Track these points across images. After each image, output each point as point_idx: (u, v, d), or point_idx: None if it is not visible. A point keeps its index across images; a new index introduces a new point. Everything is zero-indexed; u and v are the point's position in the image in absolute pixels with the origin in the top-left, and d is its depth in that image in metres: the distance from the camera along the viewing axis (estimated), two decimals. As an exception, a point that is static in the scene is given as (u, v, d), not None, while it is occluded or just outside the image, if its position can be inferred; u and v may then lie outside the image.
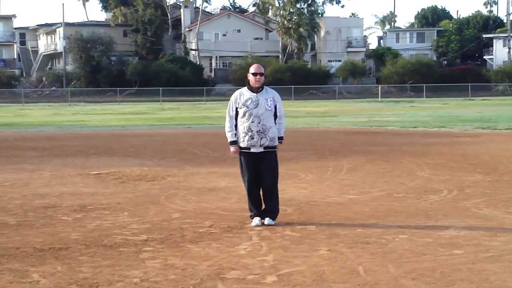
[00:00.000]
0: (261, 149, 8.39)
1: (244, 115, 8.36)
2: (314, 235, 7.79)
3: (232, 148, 8.57)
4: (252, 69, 8.47)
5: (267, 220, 8.38)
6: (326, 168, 14.02)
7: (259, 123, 8.35)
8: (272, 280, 6.03)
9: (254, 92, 8.41)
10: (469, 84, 67.58)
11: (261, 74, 8.45)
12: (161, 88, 65.35)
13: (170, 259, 6.78)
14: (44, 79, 79.24)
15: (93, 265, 6.56)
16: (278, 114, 8.45)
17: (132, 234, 7.94)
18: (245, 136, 8.38)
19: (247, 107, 8.34)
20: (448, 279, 6.00)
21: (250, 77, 8.44)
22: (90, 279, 6.08)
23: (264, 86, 8.51)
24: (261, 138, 8.35)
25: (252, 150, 8.41)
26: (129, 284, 5.92)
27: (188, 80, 72.68)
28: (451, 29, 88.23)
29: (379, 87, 71.13)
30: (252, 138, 8.35)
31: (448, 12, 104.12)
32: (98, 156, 17.20)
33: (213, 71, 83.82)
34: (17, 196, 10.84)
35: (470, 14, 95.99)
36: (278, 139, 8.49)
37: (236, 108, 8.43)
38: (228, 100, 8.66)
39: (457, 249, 7.06)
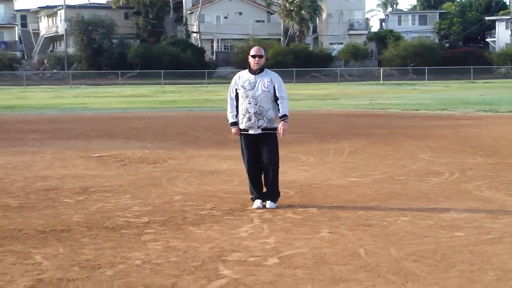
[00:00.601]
0: (259, 131, 8.37)
1: (242, 96, 8.37)
2: (316, 218, 7.80)
3: (233, 129, 8.61)
4: (252, 51, 8.47)
5: (268, 204, 8.38)
6: (328, 150, 14.02)
7: (255, 104, 8.33)
8: (273, 262, 6.04)
9: (253, 74, 8.40)
10: (471, 66, 67.49)
11: (260, 56, 8.42)
12: (162, 71, 65.24)
13: (171, 241, 6.80)
14: (45, 61, 79.13)
15: (95, 247, 6.57)
16: (278, 95, 8.36)
17: (134, 216, 7.96)
18: (243, 118, 8.39)
19: (244, 88, 8.34)
20: (449, 261, 6.01)
21: (250, 59, 8.45)
22: (92, 261, 6.10)
23: (266, 69, 8.47)
24: (259, 119, 8.33)
25: (250, 131, 8.41)
26: (131, 266, 5.93)
27: (190, 63, 72.54)
28: (453, 11, 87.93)
29: (381, 70, 71.05)
30: (250, 120, 8.34)
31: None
32: (100, 138, 17.21)
33: (214, 54, 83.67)
34: (19, 179, 10.85)
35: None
36: (282, 117, 8.35)
37: (236, 90, 8.43)
38: (230, 83, 8.66)
39: (458, 231, 7.07)
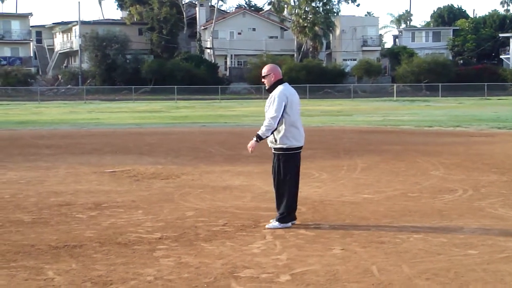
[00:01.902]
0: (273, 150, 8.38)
1: None
2: (328, 234, 7.78)
3: None
4: None
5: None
6: (341, 167, 14.00)
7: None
8: (285, 279, 6.03)
9: (269, 93, 8.39)
10: (485, 83, 67.20)
11: (263, 77, 8.44)
12: (176, 87, 65.43)
13: (184, 257, 6.79)
14: (60, 77, 79.56)
15: (107, 263, 6.58)
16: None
17: (146, 232, 7.97)
18: None
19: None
20: (463, 279, 5.97)
21: None
22: (104, 277, 6.10)
23: (279, 86, 8.30)
24: (268, 140, 8.37)
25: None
26: (142, 282, 5.93)
27: (203, 79, 72.74)
28: (467, 28, 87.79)
29: (394, 86, 70.92)
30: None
31: (465, 11, 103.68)
32: (113, 154, 17.26)
33: (228, 70, 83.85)
34: (32, 194, 10.90)
35: (487, 13, 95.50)
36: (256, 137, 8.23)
37: None
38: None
39: (472, 249, 7.03)
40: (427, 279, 5.98)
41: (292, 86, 8.56)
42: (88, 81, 76.95)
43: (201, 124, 30.29)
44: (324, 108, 45.44)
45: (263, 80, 8.46)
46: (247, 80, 78.00)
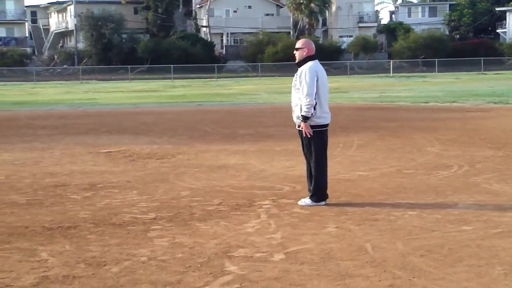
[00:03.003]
0: (297, 127, 8.35)
1: None
2: (323, 212, 7.77)
3: None
4: None
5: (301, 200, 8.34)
6: (337, 144, 13.97)
7: (291, 100, 8.37)
8: (279, 258, 6.02)
9: (298, 68, 8.30)
10: (482, 58, 67.15)
11: (296, 49, 8.34)
12: (172, 66, 65.25)
13: (178, 237, 6.79)
14: (55, 57, 79.35)
15: (102, 244, 6.57)
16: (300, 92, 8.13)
17: (140, 213, 7.96)
18: None
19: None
20: (457, 255, 5.97)
21: None
22: (98, 258, 6.09)
23: (309, 62, 8.15)
24: (294, 116, 8.33)
25: (296, 126, 8.39)
26: (136, 263, 5.93)
27: (199, 57, 72.59)
28: (463, 2, 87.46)
29: (391, 62, 70.86)
30: (293, 114, 8.36)
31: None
32: (109, 134, 17.23)
33: (224, 48, 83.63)
34: (27, 175, 10.87)
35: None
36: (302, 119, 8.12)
37: None
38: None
39: (466, 225, 7.03)
40: (421, 255, 5.98)
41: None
42: (84, 61, 76.72)
43: (197, 103, 30.23)
44: (320, 85, 45.25)
45: (295, 52, 8.34)
46: (244, 58, 77.90)
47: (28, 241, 6.73)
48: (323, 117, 8.19)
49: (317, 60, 8.25)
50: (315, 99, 8.01)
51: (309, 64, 8.15)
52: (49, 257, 6.14)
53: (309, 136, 8.14)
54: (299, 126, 8.25)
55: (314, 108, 8.04)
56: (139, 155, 13.07)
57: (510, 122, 18.05)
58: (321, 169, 8.22)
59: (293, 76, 8.27)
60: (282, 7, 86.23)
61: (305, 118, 8.05)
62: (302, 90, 8.05)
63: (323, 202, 8.17)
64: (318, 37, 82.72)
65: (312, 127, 8.13)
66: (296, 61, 8.30)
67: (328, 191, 8.32)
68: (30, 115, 24.45)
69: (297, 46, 8.33)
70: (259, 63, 69.50)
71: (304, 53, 8.23)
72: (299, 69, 8.19)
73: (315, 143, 8.18)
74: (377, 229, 6.96)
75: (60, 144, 15.13)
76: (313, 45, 8.38)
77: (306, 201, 8.22)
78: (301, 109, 8.07)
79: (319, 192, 8.20)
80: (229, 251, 6.24)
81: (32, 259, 6.08)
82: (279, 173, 10.67)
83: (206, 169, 11.21)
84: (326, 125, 8.28)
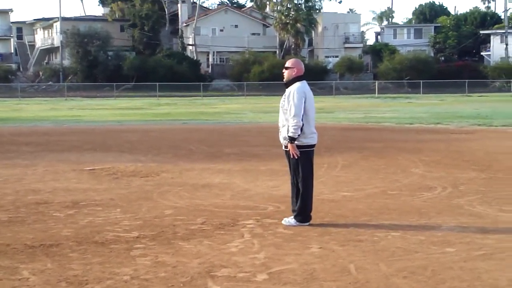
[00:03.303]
0: (283, 148, 8.34)
1: None
2: (306, 233, 7.76)
3: None
4: None
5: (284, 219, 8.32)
6: (321, 164, 13.95)
7: (278, 120, 8.37)
8: (262, 278, 6.00)
9: (286, 88, 8.30)
10: (466, 80, 67.56)
11: (285, 68, 8.36)
12: (157, 83, 65.16)
13: (161, 256, 6.75)
14: (41, 73, 79.06)
15: (84, 262, 6.53)
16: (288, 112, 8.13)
17: (123, 231, 7.91)
18: None
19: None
20: (439, 277, 5.98)
21: None
22: (80, 276, 6.05)
23: (297, 82, 8.17)
24: (280, 136, 8.33)
25: (283, 147, 8.39)
26: (119, 282, 5.89)
27: (185, 76, 72.55)
28: (448, 25, 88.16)
29: (376, 83, 71.14)
30: (280, 134, 8.36)
31: (446, 8, 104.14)
32: (93, 151, 17.17)
33: (210, 67, 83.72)
34: (10, 192, 10.80)
35: (468, 10, 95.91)
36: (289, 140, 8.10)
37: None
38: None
39: (449, 247, 7.04)
40: (404, 277, 5.98)
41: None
42: (70, 77, 76.52)
43: (182, 121, 30.20)
44: (306, 105, 45.35)
45: (284, 71, 8.35)
46: (230, 77, 77.98)
47: (9, 259, 6.67)
48: (311, 137, 8.21)
49: (304, 81, 8.28)
50: (302, 120, 8.02)
51: (297, 85, 8.16)
52: (31, 276, 6.09)
53: (296, 158, 8.13)
54: (285, 147, 8.25)
55: (301, 130, 8.04)
56: (123, 173, 13.02)
57: (493, 144, 18.15)
58: (309, 189, 8.23)
59: (280, 95, 8.29)
60: (268, 26, 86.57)
61: (291, 139, 8.04)
62: (289, 111, 8.04)
63: (307, 223, 8.15)
64: (304, 57, 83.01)
65: (300, 147, 8.13)
66: (284, 80, 8.31)
67: (312, 211, 8.30)
68: (13, 131, 24.34)
69: (286, 65, 8.35)
70: (245, 82, 69.60)
71: (293, 73, 8.25)
72: (287, 90, 8.19)
73: (303, 163, 8.17)
74: (360, 250, 6.96)
75: (43, 161, 15.05)
76: (303, 66, 8.42)
77: (290, 221, 8.20)
78: (288, 130, 8.06)
79: (304, 212, 8.18)
80: (212, 271, 6.21)
81: (13, 277, 6.03)
82: (263, 192, 10.66)
83: (190, 188, 11.17)
84: (313, 145, 8.29)
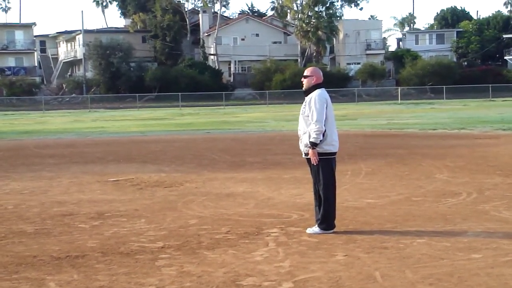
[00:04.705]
0: (303, 156, 8.33)
1: None
2: (331, 240, 7.74)
3: None
4: None
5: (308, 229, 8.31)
6: (345, 172, 13.93)
7: (299, 128, 8.35)
8: (288, 286, 5.99)
9: (305, 96, 8.33)
10: (490, 85, 67.17)
11: (304, 77, 8.37)
12: (180, 94, 65.49)
13: (186, 266, 6.76)
14: (64, 86, 79.74)
15: (109, 273, 6.56)
16: (309, 119, 8.13)
17: (148, 241, 7.94)
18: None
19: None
20: (466, 284, 5.93)
21: None
22: (106, 287, 6.07)
23: (316, 90, 8.20)
24: (300, 144, 8.33)
25: (303, 155, 8.37)
26: (144, 292, 5.91)
27: (207, 85, 72.85)
28: (471, 29, 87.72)
29: (399, 89, 70.92)
30: (300, 143, 8.35)
31: (468, 12, 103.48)
32: (117, 162, 17.25)
33: (232, 76, 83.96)
34: (36, 204, 10.88)
35: (490, 14, 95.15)
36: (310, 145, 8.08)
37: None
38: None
39: (476, 253, 6.98)
40: (431, 284, 5.94)
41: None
42: (93, 89, 77.11)
43: (205, 131, 30.28)
44: (328, 113, 45.29)
45: (302, 80, 8.37)
46: (251, 86, 78.14)
47: (36, 270, 6.72)
48: (332, 145, 8.20)
49: (323, 88, 8.29)
50: (324, 125, 8.02)
51: (318, 91, 8.19)
52: (57, 287, 6.13)
53: (315, 164, 8.12)
54: (306, 154, 8.24)
55: (323, 135, 8.04)
56: (147, 184, 13.07)
57: (518, 149, 17.99)
58: (330, 197, 8.20)
59: (301, 103, 8.28)
60: (289, 35, 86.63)
61: (313, 145, 8.04)
62: (311, 117, 8.05)
63: (331, 231, 8.14)
64: (326, 65, 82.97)
65: (321, 154, 8.11)
66: (304, 88, 8.33)
67: (337, 219, 8.29)
68: (38, 144, 24.53)
69: (305, 74, 8.37)
70: (267, 91, 69.72)
71: (313, 81, 8.28)
72: (308, 97, 8.21)
73: (324, 171, 8.15)
74: (386, 257, 6.93)
75: (68, 173, 15.15)
76: (321, 73, 8.43)
77: (315, 229, 8.19)
78: (309, 136, 8.06)
79: (328, 220, 8.17)
80: (238, 280, 6.21)
81: (40, 289, 6.07)
82: (287, 201, 10.65)
83: (214, 197, 11.19)
84: (335, 153, 8.28)
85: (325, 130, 8.04)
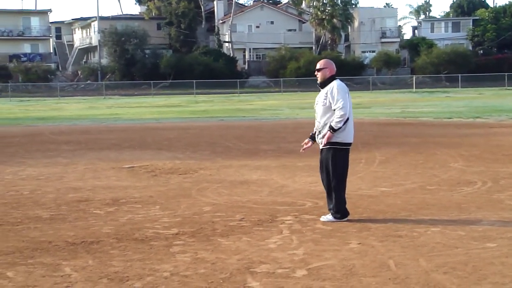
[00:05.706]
0: (321, 146, 8.30)
1: None
2: (345, 228, 7.75)
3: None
4: None
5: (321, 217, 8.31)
6: (359, 160, 13.92)
7: (316, 120, 8.32)
8: (302, 274, 6.01)
9: (321, 88, 8.33)
10: (506, 73, 66.73)
11: (318, 70, 8.34)
12: (194, 81, 65.54)
13: (200, 252, 6.79)
14: (79, 72, 79.99)
15: (124, 259, 6.59)
16: (332, 107, 8.08)
17: (163, 228, 7.97)
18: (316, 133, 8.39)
19: (315, 103, 8.36)
20: (481, 273, 5.92)
21: None
22: (120, 273, 6.11)
23: (334, 81, 8.23)
24: (318, 135, 8.30)
25: (320, 146, 8.34)
26: (159, 278, 5.94)
27: (222, 73, 72.81)
28: (487, 18, 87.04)
29: (414, 78, 70.64)
30: (318, 135, 8.32)
31: (484, 0, 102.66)
32: (132, 149, 17.31)
33: (246, 63, 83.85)
34: (51, 190, 10.95)
35: (507, 2, 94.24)
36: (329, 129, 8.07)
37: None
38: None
39: (490, 242, 6.97)
40: (445, 273, 5.94)
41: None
42: (107, 76, 77.27)
43: (219, 118, 30.31)
44: (343, 101, 45.20)
45: (316, 73, 8.35)
46: (266, 74, 78.02)
47: (52, 256, 6.77)
48: (348, 136, 8.19)
49: (339, 79, 8.32)
50: (348, 113, 8.03)
51: (336, 82, 8.22)
52: (72, 272, 6.17)
53: (322, 144, 8.15)
54: (324, 145, 8.20)
55: (345, 123, 8.03)
56: (161, 170, 13.11)
57: (534, 138, 17.90)
58: (341, 186, 8.23)
59: (316, 91, 8.27)
60: (304, 22, 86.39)
61: (333, 130, 8.03)
62: (336, 104, 8.02)
63: (345, 218, 8.14)
64: (341, 53, 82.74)
65: (338, 144, 8.12)
66: (319, 81, 8.33)
67: (351, 207, 8.30)
68: (53, 130, 24.64)
69: (318, 67, 8.35)
70: (281, 78, 69.62)
71: (328, 73, 8.29)
72: (326, 88, 8.19)
73: (338, 161, 8.17)
74: (400, 245, 6.92)
75: (83, 159, 15.22)
76: (334, 65, 8.43)
77: (329, 217, 8.20)
78: (332, 120, 8.03)
79: (341, 209, 8.17)
80: (251, 267, 6.23)
81: (56, 274, 6.11)
82: (301, 188, 10.66)
83: (228, 185, 11.22)
84: (350, 144, 8.26)
85: (347, 119, 8.03)
